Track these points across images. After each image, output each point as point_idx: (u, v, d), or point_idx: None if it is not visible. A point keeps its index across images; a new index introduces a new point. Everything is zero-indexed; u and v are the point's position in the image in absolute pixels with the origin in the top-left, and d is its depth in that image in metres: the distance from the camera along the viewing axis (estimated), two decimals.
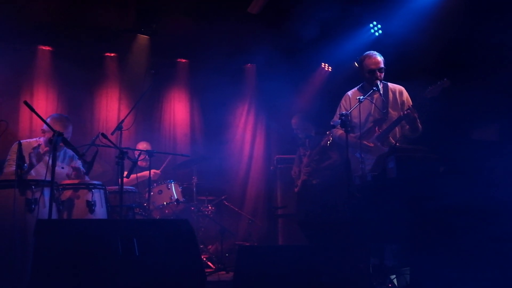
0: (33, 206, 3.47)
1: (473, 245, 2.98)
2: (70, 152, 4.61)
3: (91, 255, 2.67)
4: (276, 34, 6.63)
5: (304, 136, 5.76)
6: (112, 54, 7.00)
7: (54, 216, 3.50)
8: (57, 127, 4.21)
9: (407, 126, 4.09)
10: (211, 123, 7.26)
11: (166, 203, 5.67)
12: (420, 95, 3.86)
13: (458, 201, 3.08)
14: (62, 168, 4.49)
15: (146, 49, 6.90)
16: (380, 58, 4.16)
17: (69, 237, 2.72)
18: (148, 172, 5.10)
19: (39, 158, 4.22)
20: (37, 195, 3.52)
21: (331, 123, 4.40)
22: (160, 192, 5.72)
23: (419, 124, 4.02)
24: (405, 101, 4.18)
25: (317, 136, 5.67)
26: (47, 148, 4.28)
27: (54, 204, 3.49)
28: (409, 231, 3.20)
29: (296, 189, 5.75)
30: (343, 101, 4.37)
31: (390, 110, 4.14)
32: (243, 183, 7.31)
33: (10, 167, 4.20)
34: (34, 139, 4.54)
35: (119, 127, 4.47)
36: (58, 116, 4.52)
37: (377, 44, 5.59)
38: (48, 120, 4.32)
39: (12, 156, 4.25)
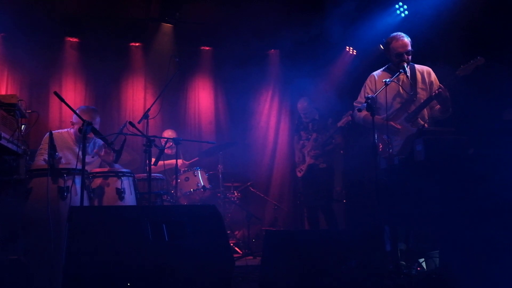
0: (65, 194, 3.57)
1: (504, 229, 2.93)
2: (99, 142, 4.71)
3: (122, 240, 2.73)
4: (299, 18, 6.55)
5: (309, 119, 5.71)
6: (137, 44, 7.08)
7: (86, 203, 3.59)
8: (86, 118, 4.31)
9: (437, 107, 3.98)
10: (236, 110, 7.28)
11: (193, 190, 5.75)
12: (451, 74, 3.75)
13: (489, 184, 3.02)
14: (92, 157, 4.59)
15: (170, 37, 6.95)
16: (407, 40, 4.05)
17: (100, 223, 2.79)
18: (175, 160, 5.17)
19: (69, 148, 4.35)
20: (69, 183, 3.62)
21: (354, 103, 4.34)
22: (187, 179, 5.80)
23: (450, 105, 3.91)
24: (433, 82, 4.08)
25: (321, 119, 5.63)
26: (75, 138, 4.44)
27: (85, 192, 3.57)
28: (439, 215, 3.16)
29: (300, 174, 5.70)
30: (368, 81, 4.28)
31: (419, 90, 4.05)
32: (269, 169, 7.33)
33: (41, 156, 4.32)
34: (65, 130, 4.65)
35: (145, 116, 4.52)
36: (85, 108, 4.61)
37: (403, 25, 5.46)
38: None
39: (44, 146, 4.37)
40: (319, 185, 5.46)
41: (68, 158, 4.39)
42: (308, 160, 5.55)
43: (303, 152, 5.69)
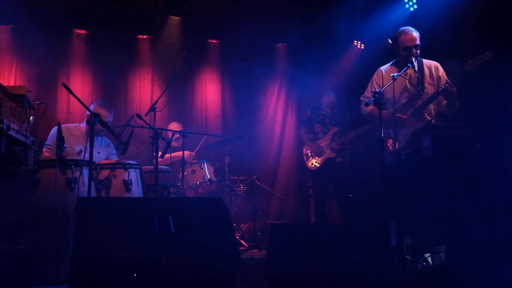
0: (73, 185, 3.60)
1: (511, 225, 2.92)
2: (107, 139, 4.77)
3: (129, 232, 2.75)
4: (306, 12, 6.52)
5: (331, 114, 5.72)
6: (145, 36, 7.08)
7: (93, 194, 3.61)
8: (101, 113, 4.34)
9: (444, 102, 3.97)
10: (242, 103, 7.27)
11: (199, 183, 5.77)
12: (458, 69, 3.73)
13: (496, 179, 3.01)
14: (98, 152, 4.62)
15: (177, 30, 6.95)
16: (416, 34, 4.03)
17: (108, 214, 2.81)
18: (181, 152, 5.19)
19: (79, 141, 4.41)
20: (77, 174, 3.65)
21: (361, 98, 4.33)
22: (193, 172, 5.81)
23: (457, 100, 3.90)
24: (441, 77, 4.06)
25: (339, 113, 5.69)
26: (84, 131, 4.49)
27: (92, 183, 3.60)
28: (445, 210, 3.15)
29: (313, 167, 5.71)
30: (375, 76, 4.27)
31: (426, 85, 4.03)
32: (275, 162, 7.34)
33: (47, 153, 4.36)
34: (73, 124, 4.69)
35: (152, 108, 4.52)
36: (101, 103, 4.69)
37: (412, 20, 5.43)
38: (92, 106, 4.46)
39: (50, 142, 4.41)
40: (335, 178, 5.57)
41: (77, 151, 4.42)
42: (329, 153, 5.58)
43: (319, 145, 5.69)
